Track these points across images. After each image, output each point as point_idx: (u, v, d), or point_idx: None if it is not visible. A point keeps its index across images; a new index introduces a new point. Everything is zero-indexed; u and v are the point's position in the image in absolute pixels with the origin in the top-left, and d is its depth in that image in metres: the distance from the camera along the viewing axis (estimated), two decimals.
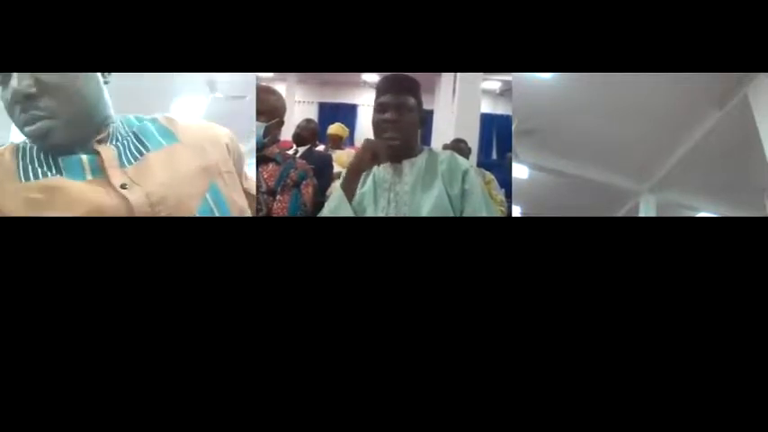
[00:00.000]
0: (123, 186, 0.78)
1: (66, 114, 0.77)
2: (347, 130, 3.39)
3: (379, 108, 1.18)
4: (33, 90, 0.75)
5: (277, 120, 1.49)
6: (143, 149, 0.85)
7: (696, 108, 3.79)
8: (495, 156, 6.91)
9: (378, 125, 1.19)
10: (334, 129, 3.25)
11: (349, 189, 1.19)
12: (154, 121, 0.92)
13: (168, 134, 0.90)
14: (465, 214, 1.14)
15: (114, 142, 0.85)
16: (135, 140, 0.86)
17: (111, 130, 0.86)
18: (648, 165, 4.73)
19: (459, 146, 2.82)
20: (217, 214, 0.85)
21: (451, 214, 1.14)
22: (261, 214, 1.32)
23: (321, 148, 3.03)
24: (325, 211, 1.21)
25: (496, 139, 7.06)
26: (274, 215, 1.33)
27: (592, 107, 3.88)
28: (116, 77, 0.89)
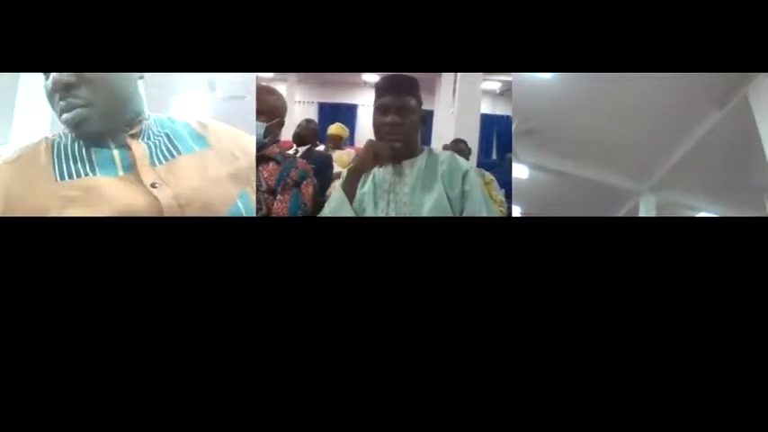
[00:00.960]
0: (153, 185, 0.80)
1: (101, 104, 0.81)
2: (347, 130, 3.39)
3: (381, 110, 1.17)
4: (73, 80, 0.79)
5: (277, 120, 1.49)
6: (174, 151, 0.87)
7: (696, 108, 3.78)
8: (495, 156, 6.91)
9: (380, 128, 1.18)
10: (335, 129, 3.25)
11: (350, 190, 1.18)
12: (186, 124, 0.94)
13: (200, 139, 0.92)
14: (465, 215, 1.14)
15: (146, 140, 0.87)
16: (167, 141, 0.88)
17: (143, 126, 0.88)
18: (648, 165, 4.72)
19: (459, 146, 2.82)
20: None
21: (451, 215, 1.13)
22: (261, 213, 1.32)
23: (321, 148, 3.03)
24: (326, 212, 1.21)
25: (496, 139, 7.06)
26: (274, 214, 1.33)
27: (592, 107, 3.87)
28: None
